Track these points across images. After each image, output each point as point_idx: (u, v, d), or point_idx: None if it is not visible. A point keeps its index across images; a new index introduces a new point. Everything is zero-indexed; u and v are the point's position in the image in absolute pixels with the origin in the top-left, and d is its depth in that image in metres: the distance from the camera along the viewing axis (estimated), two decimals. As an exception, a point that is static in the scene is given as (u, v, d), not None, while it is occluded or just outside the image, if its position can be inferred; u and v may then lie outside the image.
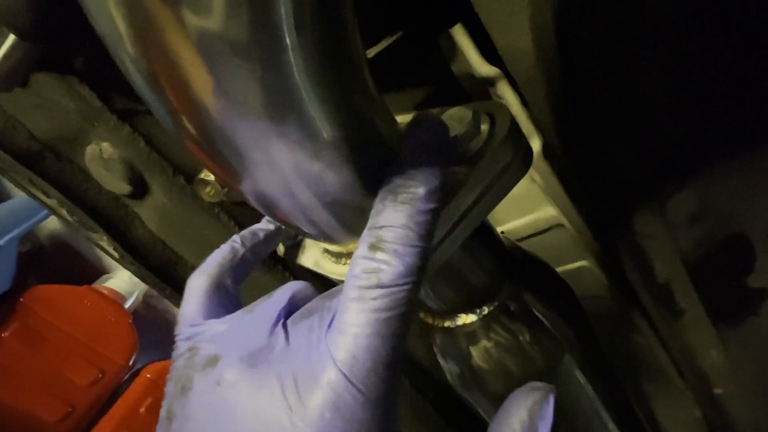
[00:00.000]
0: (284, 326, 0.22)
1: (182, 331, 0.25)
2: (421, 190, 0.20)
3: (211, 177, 0.34)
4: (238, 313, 0.25)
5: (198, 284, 0.27)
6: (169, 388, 0.24)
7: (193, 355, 0.24)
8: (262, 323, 0.23)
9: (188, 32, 0.15)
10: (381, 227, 0.20)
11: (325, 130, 0.19)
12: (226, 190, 0.35)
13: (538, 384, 0.22)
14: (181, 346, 0.25)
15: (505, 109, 0.24)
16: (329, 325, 0.20)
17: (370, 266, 0.19)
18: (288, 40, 0.16)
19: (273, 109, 0.18)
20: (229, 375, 0.21)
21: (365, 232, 0.20)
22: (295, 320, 0.22)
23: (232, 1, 0.15)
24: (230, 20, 0.15)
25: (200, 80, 0.17)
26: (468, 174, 0.23)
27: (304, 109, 0.18)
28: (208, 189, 0.34)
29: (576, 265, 0.54)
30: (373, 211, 0.21)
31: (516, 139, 0.24)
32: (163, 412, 0.23)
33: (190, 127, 0.19)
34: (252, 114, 0.18)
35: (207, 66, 0.16)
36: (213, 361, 0.22)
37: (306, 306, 0.23)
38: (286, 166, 0.20)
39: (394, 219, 0.20)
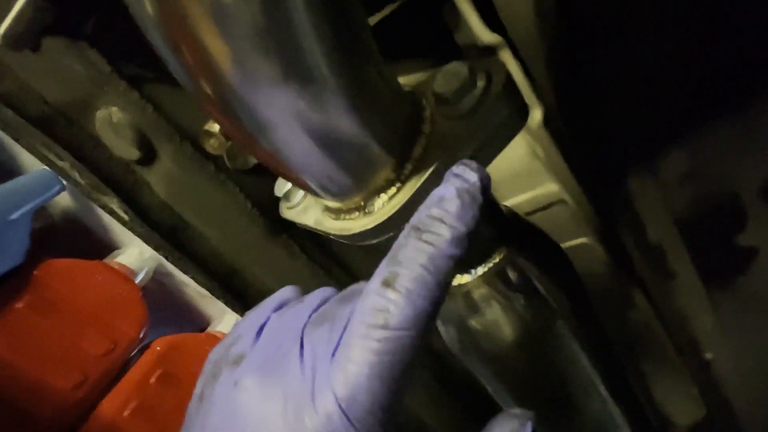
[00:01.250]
0: (302, 337, 0.22)
1: (250, 315, 0.27)
2: (447, 234, 0.19)
3: (216, 128, 0.35)
4: (275, 315, 0.26)
5: (288, 291, 0.28)
6: (207, 368, 0.25)
7: (232, 344, 0.25)
8: (288, 330, 0.23)
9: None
10: (400, 262, 0.19)
11: (325, 69, 0.20)
12: (230, 142, 0.36)
13: (517, 411, 0.23)
14: (235, 330, 0.26)
15: (501, 65, 0.25)
16: (334, 352, 0.20)
17: (379, 303, 0.19)
18: None
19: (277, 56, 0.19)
20: (246, 380, 0.22)
21: (383, 264, 0.20)
22: (312, 328, 0.23)
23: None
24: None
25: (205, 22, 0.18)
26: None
27: (305, 50, 0.19)
28: (212, 141, 0.35)
29: (577, 242, 0.55)
30: (395, 244, 0.20)
31: (511, 95, 0.24)
32: (197, 391, 0.24)
33: (197, 67, 0.20)
34: (256, 60, 0.19)
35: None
36: (238, 359, 0.23)
37: (323, 309, 0.24)
38: (288, 107, 0.20)
39: (414, 257, 0.19)
